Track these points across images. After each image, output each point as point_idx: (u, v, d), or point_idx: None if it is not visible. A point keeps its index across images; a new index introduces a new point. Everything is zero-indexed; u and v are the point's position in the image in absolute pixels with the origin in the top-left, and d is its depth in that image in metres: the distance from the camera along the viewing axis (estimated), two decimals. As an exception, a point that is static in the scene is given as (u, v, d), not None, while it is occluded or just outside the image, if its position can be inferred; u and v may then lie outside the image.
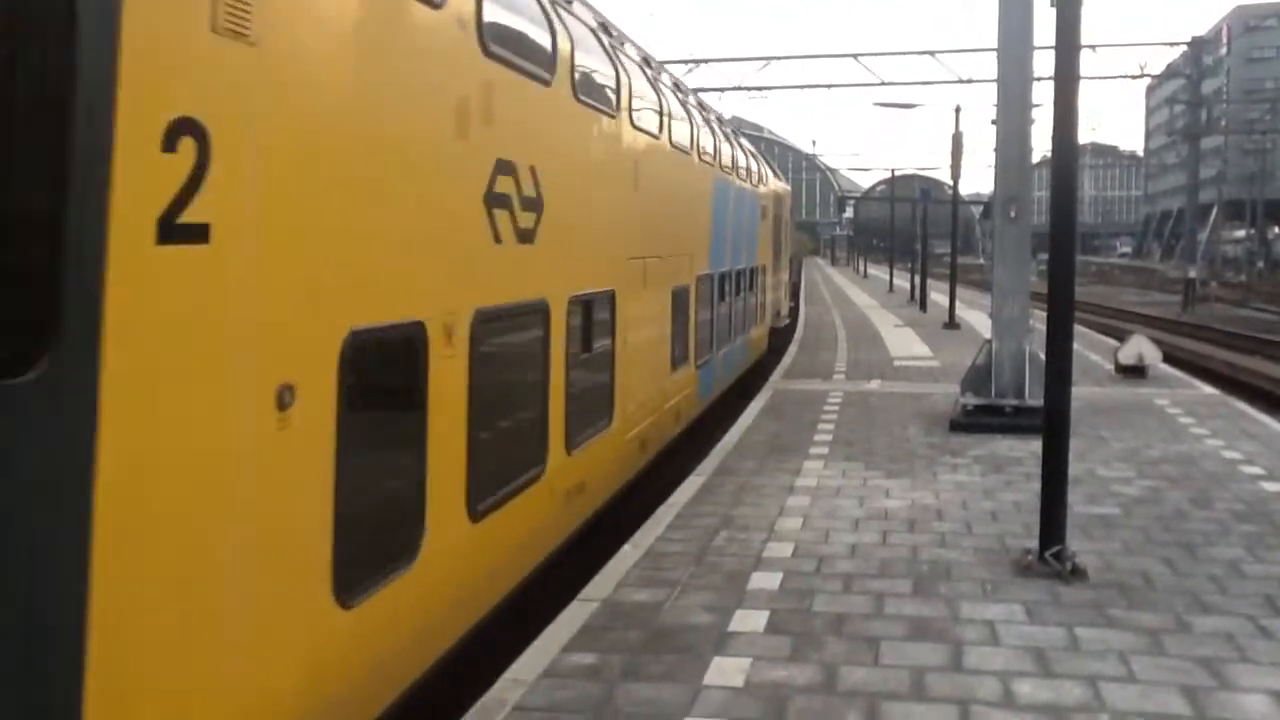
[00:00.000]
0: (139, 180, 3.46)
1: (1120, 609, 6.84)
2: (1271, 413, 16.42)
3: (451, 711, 5.59)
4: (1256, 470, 10.91)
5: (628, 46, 11.60)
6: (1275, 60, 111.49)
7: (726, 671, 5.82)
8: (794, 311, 35.17)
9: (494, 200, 6.60)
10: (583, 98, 8.78)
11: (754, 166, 22.32)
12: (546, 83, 7.78)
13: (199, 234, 3.75)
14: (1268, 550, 8.12)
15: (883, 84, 38.25)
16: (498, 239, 6.66)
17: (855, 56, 38.33)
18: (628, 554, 8.02)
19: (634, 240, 10.72)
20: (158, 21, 3.56)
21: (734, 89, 39.58)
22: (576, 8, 9.26)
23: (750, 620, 6.61)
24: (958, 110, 32.32)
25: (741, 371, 19.55)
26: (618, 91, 10.11)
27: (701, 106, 17.19)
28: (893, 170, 64.60)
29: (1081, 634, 6.40)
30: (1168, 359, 20.33)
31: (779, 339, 26.00)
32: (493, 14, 6.60)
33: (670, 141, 12.59)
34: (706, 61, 39.64)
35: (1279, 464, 11.20)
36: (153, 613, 3.59)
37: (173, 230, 3.61)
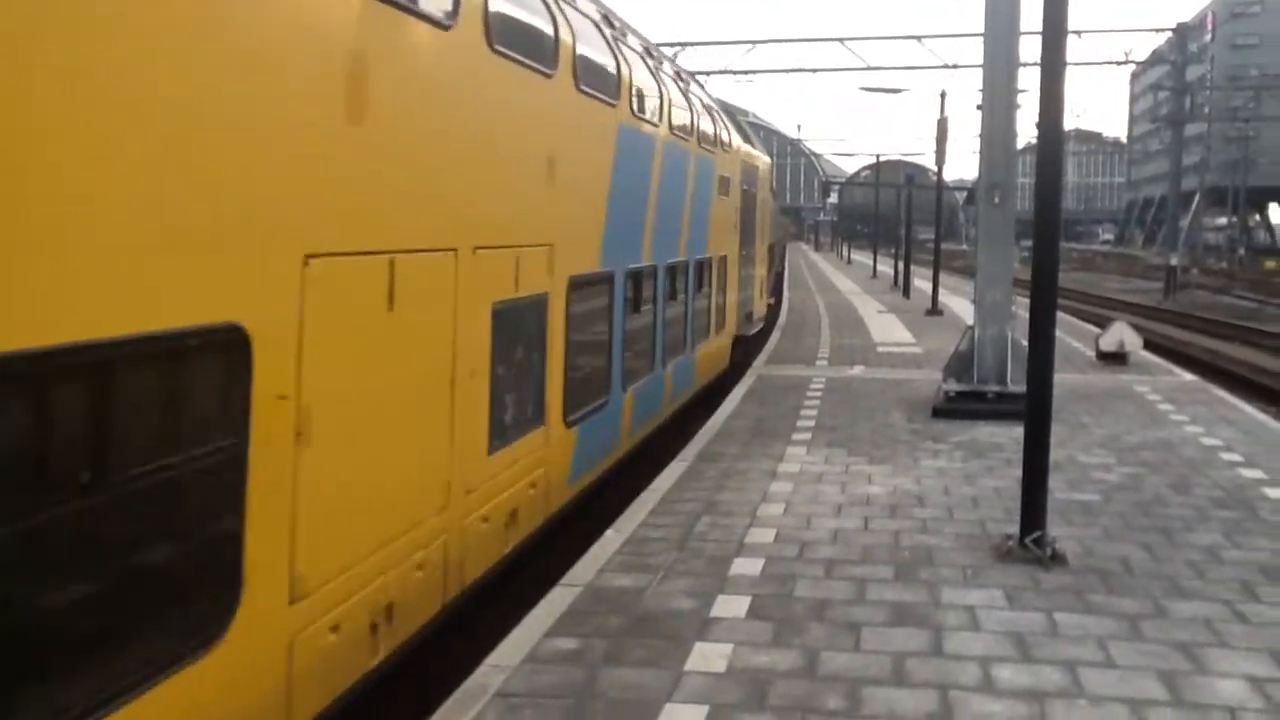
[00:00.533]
0: None
1: (1099, 594, 6.88)
2: (1251, 400, 16.55)
3: (432, 697, 5.58)
4: (1235, 457, 10.98)
5: None
6: (1259, 47, 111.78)
7: (708, 657, 5.83)
8: (774, 307, 31.03)
9: None
10: None
11: (709, 124, 16.24)
12: None
13: None
14: (1245, 536, 8.18)
15: (868, 69, 38.21)
16: None
17: (841, 41, 38.27)
18: (610, 539, 8.02)
19: (341, 217, 5.31)
20: None
21: (720, 72, 39.48)
22: None
23: (732, 606, 6.63)
24: (943, 95, 32.36)
25: (676, 407, 14.24)
26: None
27: (608, 22, 11.15)
28: (877, 156, 64.70)
29: (1061, 619, 6.44)
30: (1149, 346, 20.42)
31: (750, 346, 20.82)
32: None
33: (491, 42, 7.16)
34: (693, 45, 39.56)
35: (1258, 451, 11.27)
36: None
37: None
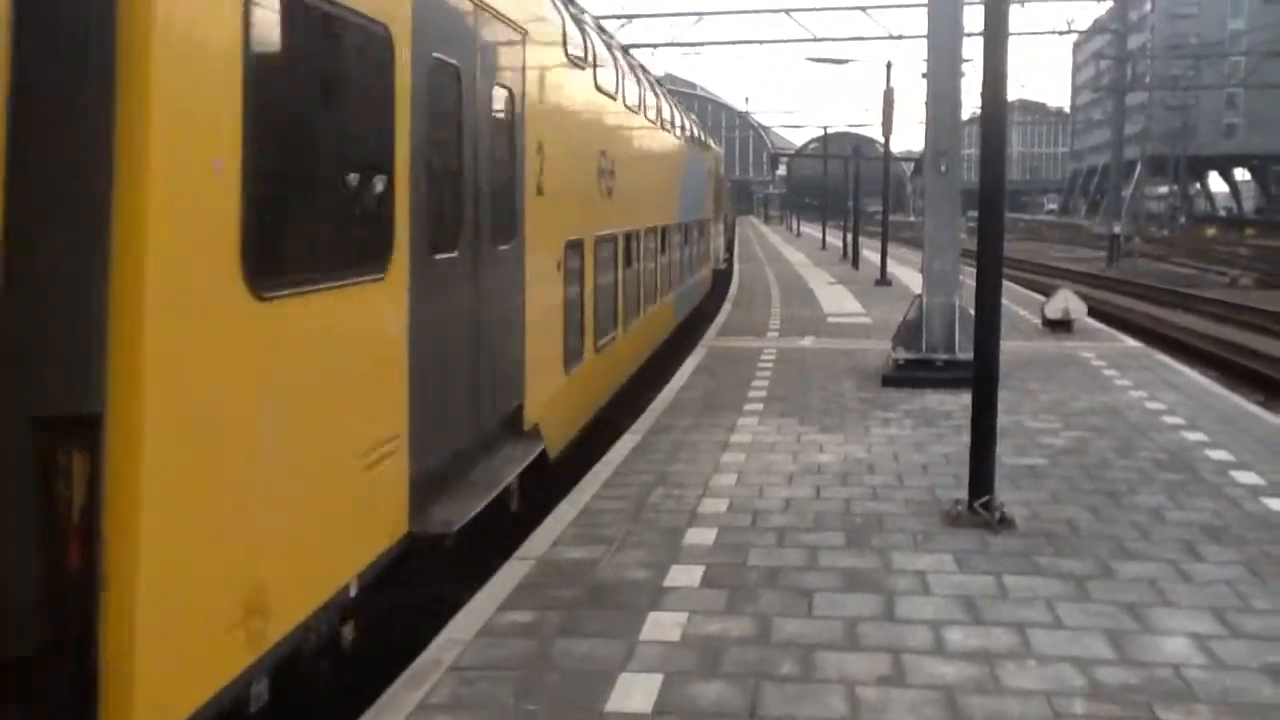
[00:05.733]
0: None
1: (1047, 557, 6.97)
2: (1192, 365, 16.84)
3: (386, 672, 5.55)
4: (1177, 420, 11.17)
5: None
6: (1198, 16, 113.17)
7: (663, 626, 5.85)
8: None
9: None
10: None
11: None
12: None
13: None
14: (1188, 497, 8.33)
15: (815, 40, 38.20)
16: None
17: (788, 12, 38.18)
18: (564, 512, 8.01)
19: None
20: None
21: (667, 45, 39.35)
22: None
23: (686, 575, 6.64)
24: (889, 66, 32.36)
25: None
26: None
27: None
28: (825, 128, 64.79)
29: (1010, 582, 6.52)
30: (1093, 313, 20.72)
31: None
32: None
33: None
34: (640, 16, 39.34)
35: (1199, 414, 11.48)
36: None
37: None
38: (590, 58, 11.47)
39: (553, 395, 9.52)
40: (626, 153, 14.29)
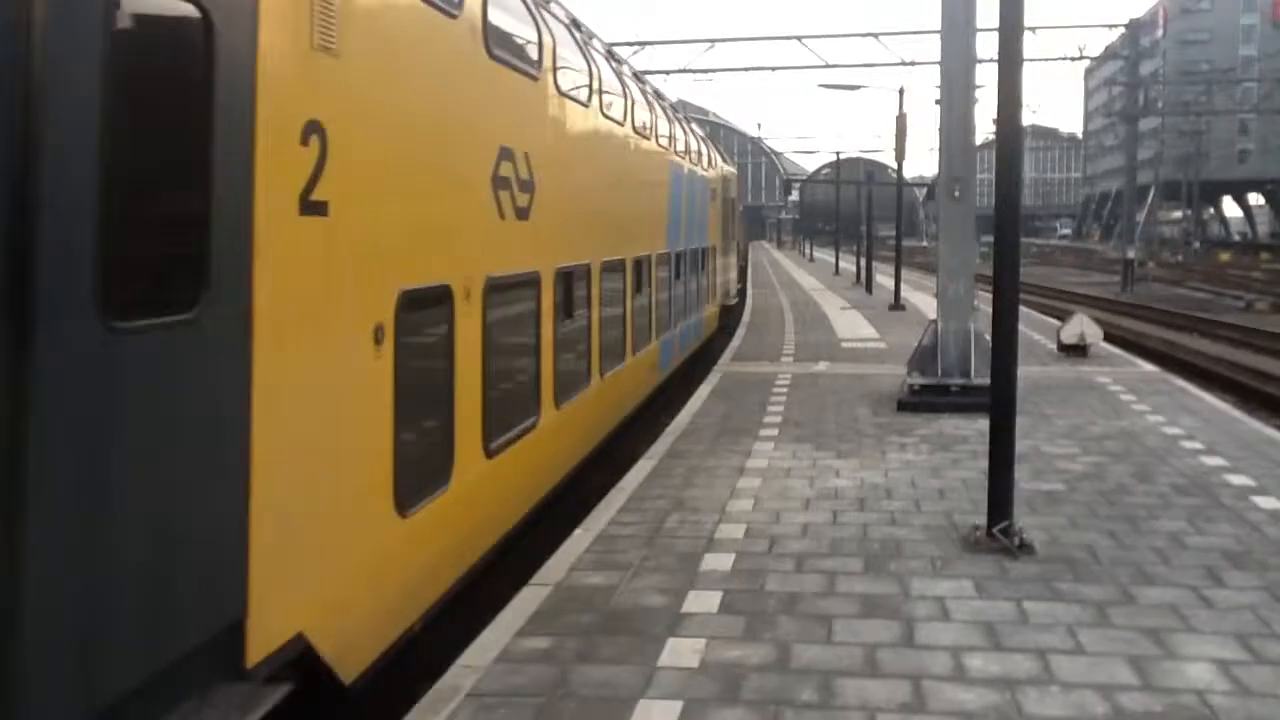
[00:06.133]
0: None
1: (1067, 582, 6.93)
2: (1209, 389, 16.76)
3: (404, 699, 5.54)
4: (1196, 445, 11.11)
5: None
6: (1209, 43, 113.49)
7: (681, 652, 5.82)
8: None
9: None
10: None
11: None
12: None
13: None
14: (1208, 522, 8.27)
15: (827, 66, 38.40)
16: None
17: (799, 39, 38.43)
18: (580, 538, 7.99)
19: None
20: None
21: (680, 71, 39.57)
22: None
23: (703, 601, 6.62)
24: (901, 92, 32.48)
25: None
26: None
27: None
28: (838, 153, 64.86)
29: (1030, 607, 6.48)
30: (1108, 337, 20.65)
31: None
32: None
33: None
34: (652, 44, 39.65)
35: (1218, 438, 11.41)
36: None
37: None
38: (473, 4, 7.51)
39: (354, 570, 5.59)
40: (561, 158, 10.05)
